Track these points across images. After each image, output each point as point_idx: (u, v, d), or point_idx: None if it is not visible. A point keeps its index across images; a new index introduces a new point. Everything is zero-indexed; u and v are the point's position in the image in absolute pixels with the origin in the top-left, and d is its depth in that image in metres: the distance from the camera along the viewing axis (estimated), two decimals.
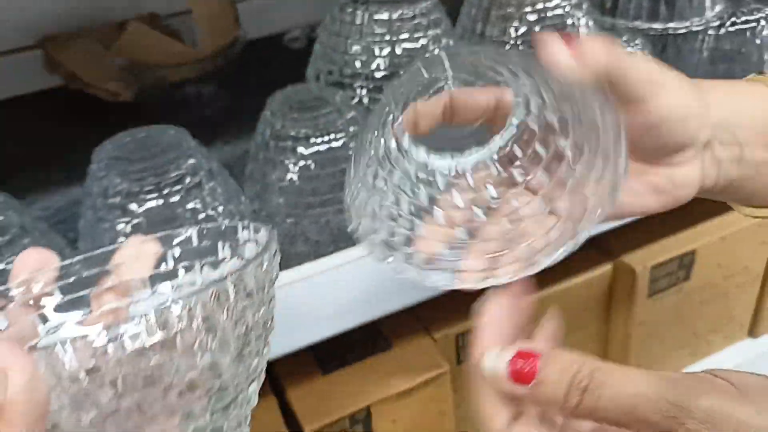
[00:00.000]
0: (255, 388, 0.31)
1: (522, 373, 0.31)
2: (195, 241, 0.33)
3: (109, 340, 0.23)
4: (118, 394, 0.25)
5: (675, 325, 0.89)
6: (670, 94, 0.38)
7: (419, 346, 0.73)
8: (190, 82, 0.78)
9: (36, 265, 0.33)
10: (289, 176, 0.60)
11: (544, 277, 0.78)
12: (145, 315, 0.23)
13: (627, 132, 0.35)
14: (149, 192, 0.54)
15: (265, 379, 0.73)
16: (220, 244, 0.33)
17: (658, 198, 0.41)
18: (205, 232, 0.33)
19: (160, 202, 0.54)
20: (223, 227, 0.33)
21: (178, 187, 0.55)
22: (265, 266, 0.27)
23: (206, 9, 0.74)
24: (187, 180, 0.55)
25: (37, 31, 0.84)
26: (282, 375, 0.71)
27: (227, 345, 0.26)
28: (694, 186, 0.41)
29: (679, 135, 0.39)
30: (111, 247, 0.34)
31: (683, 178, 0.40)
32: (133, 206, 0.54)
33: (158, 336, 0.24)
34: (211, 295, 0.25)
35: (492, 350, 0.32)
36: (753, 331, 0.99)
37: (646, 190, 0.40)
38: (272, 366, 0.72)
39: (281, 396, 0.70)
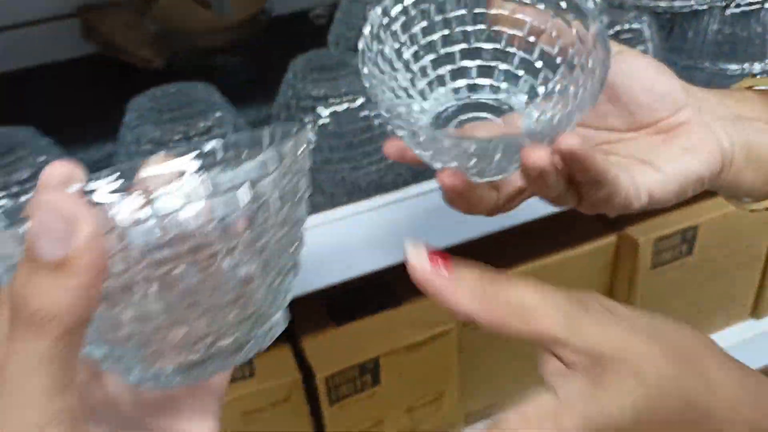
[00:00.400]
0: (291, 279, 0.32)
1: (446, 264, 0.33)
2: (219, 154, 0.34)
3: (147, 203, 0.24)
4: (166, 262, 0.26)
5: (678, 300, 0.92)
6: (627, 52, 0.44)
7: (428, 304, 0.77)
8: (219, 51, 0.82)
9: (63, 179, 0.32)
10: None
11: (549, 246, 0.82)
12: (198, 172, 0.25)
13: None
14: (179, 141, 0.59)
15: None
16: (245, 155, 0.33)
17: (694, 156, 0.43)
18: (230, 143, 0.34)
19: None
20: (249, 138, 0.34)
21: (205, 137, 0.59)
22: (301, 149, 0.29)
23: None
24: (215, 131, 0.59)
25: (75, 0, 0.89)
26: (297, 325, 0.75)
27: (267, 205, 0.27)
28: (714, 141, 0.44)
29: (656, 84, 0.44)
30: (136, 163, 0.34)
31: (699, 131, 0.44)
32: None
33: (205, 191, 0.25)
34: (257, 162, 0.26)
35: (410, 248, 0.34)
36: (756, 312, 1.01)
37: (679, 152, 0.43)
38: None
39: (296, 345, 0.74)
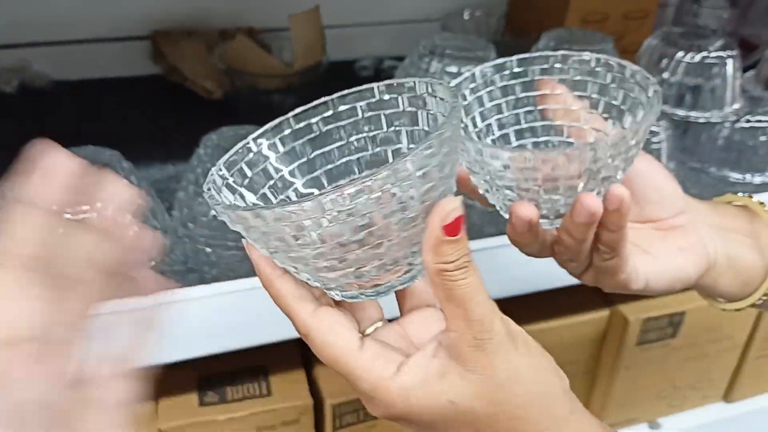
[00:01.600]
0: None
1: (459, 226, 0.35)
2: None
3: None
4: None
5: (657, 376, 0.99)
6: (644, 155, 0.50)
7: None
8: (276, 91, 0.90)
9: None
10: None
11: (548, 312, 0.89)
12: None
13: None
14: None
15: (299, 355, 0.83)
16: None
17: (686, 256, 0.49)
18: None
19: None
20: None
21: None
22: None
23: (302, 33, 0.86)
24: None
25: (149, 25, 0.97)
26: (313, 355, 0.81)
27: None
28: (703, 247, 0.50)
29: (665, 186, 0.50)
30: None
31: (692, 236, 0.50)
32: None
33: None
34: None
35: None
36: (728, 396, 1.08)
37: (673, 251, 0.49)
38: (304, 346, 0.82)
39: (311, 372, 0.80)
